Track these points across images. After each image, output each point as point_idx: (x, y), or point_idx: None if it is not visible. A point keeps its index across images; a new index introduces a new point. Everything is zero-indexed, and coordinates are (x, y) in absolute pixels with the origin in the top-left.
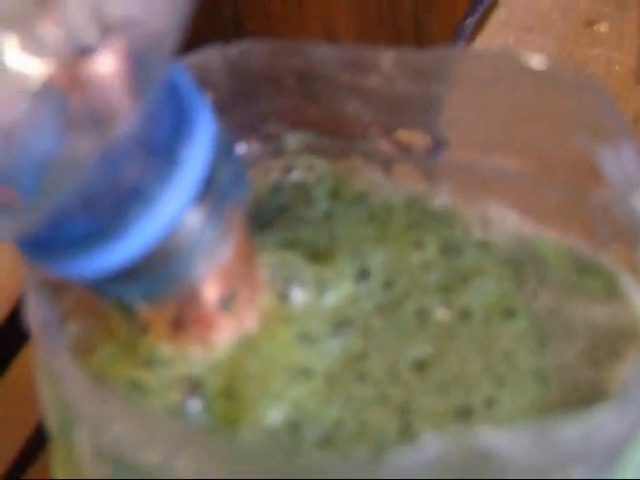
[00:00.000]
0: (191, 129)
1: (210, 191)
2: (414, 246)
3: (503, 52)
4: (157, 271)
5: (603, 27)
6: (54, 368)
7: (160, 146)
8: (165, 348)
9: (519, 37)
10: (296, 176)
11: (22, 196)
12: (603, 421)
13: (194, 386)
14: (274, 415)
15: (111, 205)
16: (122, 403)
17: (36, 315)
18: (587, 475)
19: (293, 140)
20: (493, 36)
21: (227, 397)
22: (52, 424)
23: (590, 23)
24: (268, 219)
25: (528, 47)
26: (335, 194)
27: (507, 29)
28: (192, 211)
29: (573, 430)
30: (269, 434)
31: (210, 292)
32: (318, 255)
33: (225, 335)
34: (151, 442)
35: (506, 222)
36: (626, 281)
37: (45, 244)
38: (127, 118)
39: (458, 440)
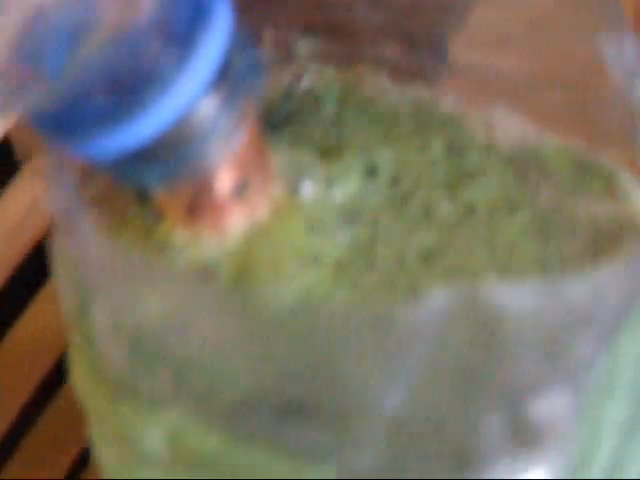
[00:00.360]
0: (209, 17)
1: (225, 78)
2: (420, 148)
3: None
4: (173, 153)
5: None
6: (76, 244)
7: (179, 32)
8: (179, 235)
9: None
10: (306, 83)
11: (46, 72)
12: (609, 278)
13: (208, 272)
14: (284, 300)
15: (130, 86)
16: (145, 265)
17: (57, 197)
18: (592, 344)
19: (304, 46)
20: None
21: (239, 282)
22: (69, 311)
23: None
24: (278, 123)
25: None
26: (343, 100)
27: None
28: (208, 96)
29: (578, 286)
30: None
31: (224, 179)
32: (327, 153)
33: (238, 222)
34: (173, 307)
35: (510, 126)
36: (625, 178)
37: (65, 123)
38: (147, 1)
39: (464, 292)
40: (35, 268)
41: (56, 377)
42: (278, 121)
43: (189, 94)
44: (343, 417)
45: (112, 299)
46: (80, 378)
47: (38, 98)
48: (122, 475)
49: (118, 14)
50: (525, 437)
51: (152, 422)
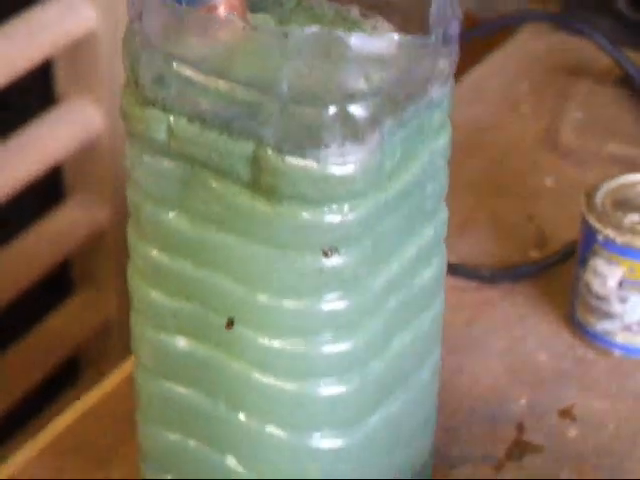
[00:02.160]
0: None
1: None
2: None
3: None
4: None
5: None
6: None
7: None
8: None
9: None
10: None
11: None
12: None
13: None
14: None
15: None
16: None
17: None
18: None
19: None
20: None
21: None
22: (127, 68)
23: None
24: (258, 9)
25: None
26: (297, 5)
27: None
28: None
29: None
30: None
31: (222, 7)
32: (279, 22)
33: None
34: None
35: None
36: None
37: None
38: None
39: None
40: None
41: None
42: (258, 7)
43: None
44: (259, 104)
45: (155, 45)
46: (126, 101)
47: None
48: (139, 168)
49: None
50: (349, 129)
51: (159, 119)
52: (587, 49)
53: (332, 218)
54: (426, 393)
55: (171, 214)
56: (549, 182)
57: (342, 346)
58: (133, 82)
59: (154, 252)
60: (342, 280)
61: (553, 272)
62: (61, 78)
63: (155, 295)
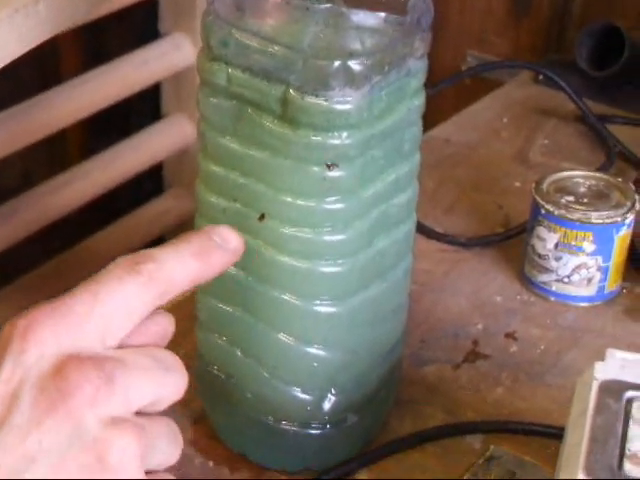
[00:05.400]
0: None
1: None
2: None
3: None
4: None
5: None
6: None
7: None
8: None
9: None
10: None
11: None
12: None
13: None
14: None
15: None
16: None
17: None
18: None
19: None
20: None
21: None
22: (203, 36)
23: None
24: None
25: None
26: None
27: None
28: None
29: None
30: None
31: None
32: None
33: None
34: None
35: None
36: None
37: None
38: None
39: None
40: None
41: None
42: None
43: None
44: (288, 58)
45: (221, 19)
46: (201, 59)
47: None
48: (206, 106)
49: None
50: (348, 78)
51: (221, 70)
52: (557, 97)
53: (334, 141)
54: (399, 287)
55: (226, 138)
56: (517, 184)
57: (338, 237)
58: (206, 45)
59: (213, 166)
60: (339, 188)
61: (512, 242)
62: (166, 99)
63: (212, 197)
